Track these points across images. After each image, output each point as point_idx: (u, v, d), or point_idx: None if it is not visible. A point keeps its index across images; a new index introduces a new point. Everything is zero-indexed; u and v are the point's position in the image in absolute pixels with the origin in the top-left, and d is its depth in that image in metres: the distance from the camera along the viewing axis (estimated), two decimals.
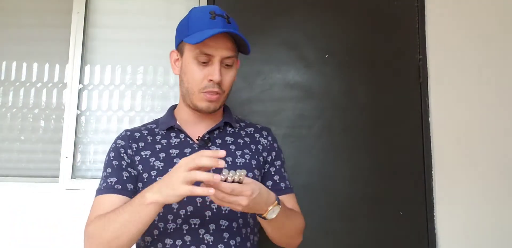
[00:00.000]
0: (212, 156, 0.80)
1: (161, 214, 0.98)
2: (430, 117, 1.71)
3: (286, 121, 1.69)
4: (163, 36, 1.78)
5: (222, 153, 0.81)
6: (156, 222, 0.98)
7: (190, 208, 0.98)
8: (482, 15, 1.77)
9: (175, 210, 0.98)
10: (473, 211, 1.66)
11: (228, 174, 0.81)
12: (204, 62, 1.00)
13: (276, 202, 0.92)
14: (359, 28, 1.77)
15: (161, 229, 0.98)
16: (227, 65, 1.04)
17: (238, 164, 1.04)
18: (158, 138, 1.08)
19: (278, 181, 1.11)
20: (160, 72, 1.78)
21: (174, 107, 1.17)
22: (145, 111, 1.76)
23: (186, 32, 1.02)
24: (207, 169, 0.82)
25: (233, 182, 0.82)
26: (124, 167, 1.03)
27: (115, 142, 1.09)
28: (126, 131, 1.11)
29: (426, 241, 1.65)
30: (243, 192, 0.82)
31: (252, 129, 1.15)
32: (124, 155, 1.05)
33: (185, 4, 1.77)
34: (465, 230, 1.65)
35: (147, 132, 1.10)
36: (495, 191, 1.67)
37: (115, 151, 1.06)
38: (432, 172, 1.68)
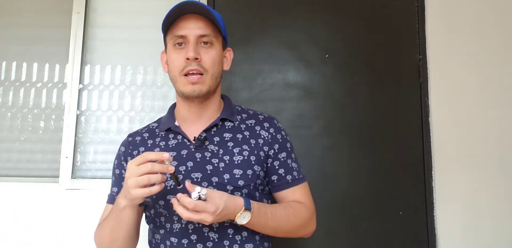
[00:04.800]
0: (156, 158, 0.86)
1: (167, 215, 1.01)
2: (430, 117, 1.71)
3: (286, 121, 1.69)
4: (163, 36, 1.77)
5: (166, 155, 0.86)
6: (163, 223, 1.01)
7: None
8: (482, 15, 1.77)
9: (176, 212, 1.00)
10: (473, 211, 1.66)
11: (195, 191, 0.86)
12: (180, 45, 1.03)
13: (244, 208, 0.93)
14: (359, 28, 1.77)
15: (168, 229, 1.01)
16: (205, 43, 1.03)
17: (236, 162, 1.02)
18: (157, 140, 1.08)
19: (283, 175, 1.08)
20: (160, 72, 1.77)
21: (174, 106, 1.16)
22: (145, 111, 1.76)
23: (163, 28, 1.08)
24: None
25: (199, 199, 0.86)
26: (123, 175, 1.04)
27: (119, 148, 1.12)
28: (129, 135, 1.14)
29: (426, 241, 1.65)
30: (206, 209, 0.86)
31: (253, 121, 1.11)
32: (124, 162, 1.08)
33: None
34: (465, 230, 1.65)
35: (148, 134, 1.11)
36: (495, 190, 1.67)
37: (118, 159, 1.10)
38: (432, 172, 1.68)
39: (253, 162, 1.04)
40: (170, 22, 1.03)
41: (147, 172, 0.85)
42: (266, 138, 1.08)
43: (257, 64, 1.73)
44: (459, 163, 1.68)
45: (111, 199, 1.07)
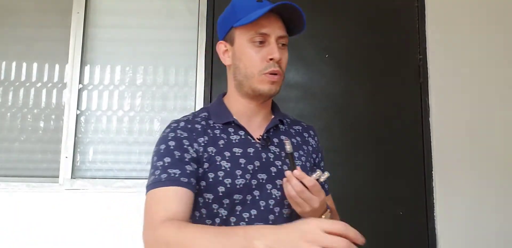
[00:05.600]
0: (356, 239, 0.69)
1: (224, 217, 0.92)
2: (430, 117, 1.71)
3: None
4: (163, 36, 1.78)
5: (361, 239, 0.70)
6: (217, 225, 0.92)
7: (254, 212, 0.93)
8: (482, 15, 1.77)
9: (238, 213, 0.92)
10: (473, 211, 1.66)
11: (316, 172, 0.85)
12: (260, 43, 0.96)
13: (328, 209, 0.93)
14: (359, 28, 1.77)
15: (232, 225, 0.95)
16: (283, 44, 1.00)
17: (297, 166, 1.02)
18: (217, 132, 0.98)
19: (322, 183, 1.09)
20: (160, 72, 1.77)
21: (222, 95, 1.07)
22: (145, 111, 1.76)
23: (235, 19, 0.98)
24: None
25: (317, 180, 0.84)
26: (187, 160, 0.92)
27: (174, 131, 0.96)
28: (177, 121, 0.99)
29: (426, 241, 1.65)
30: (320, 193, 0.84)
31: (300, 128, 1.11)
32: (189, 147, 0.94)
33: (184, 4, 1.77)
34: (465, 230, 1.65)
35: (205, 123, 1.00)
36: (495, 190, 1.67)
37: (177, 141, 0.94)
38: (432, 172, 1.68)
39: (308, 168, 1.03)
40: (252, 17, 0.94)
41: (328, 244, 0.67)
42: (314, 146, 1.10)
43: None
44: (459, 163, 1.68)
45: (173, 181, 0.88)
